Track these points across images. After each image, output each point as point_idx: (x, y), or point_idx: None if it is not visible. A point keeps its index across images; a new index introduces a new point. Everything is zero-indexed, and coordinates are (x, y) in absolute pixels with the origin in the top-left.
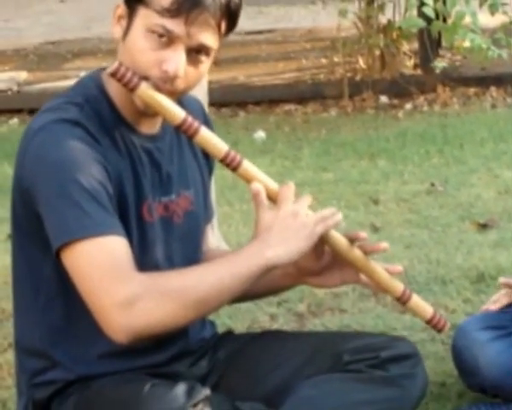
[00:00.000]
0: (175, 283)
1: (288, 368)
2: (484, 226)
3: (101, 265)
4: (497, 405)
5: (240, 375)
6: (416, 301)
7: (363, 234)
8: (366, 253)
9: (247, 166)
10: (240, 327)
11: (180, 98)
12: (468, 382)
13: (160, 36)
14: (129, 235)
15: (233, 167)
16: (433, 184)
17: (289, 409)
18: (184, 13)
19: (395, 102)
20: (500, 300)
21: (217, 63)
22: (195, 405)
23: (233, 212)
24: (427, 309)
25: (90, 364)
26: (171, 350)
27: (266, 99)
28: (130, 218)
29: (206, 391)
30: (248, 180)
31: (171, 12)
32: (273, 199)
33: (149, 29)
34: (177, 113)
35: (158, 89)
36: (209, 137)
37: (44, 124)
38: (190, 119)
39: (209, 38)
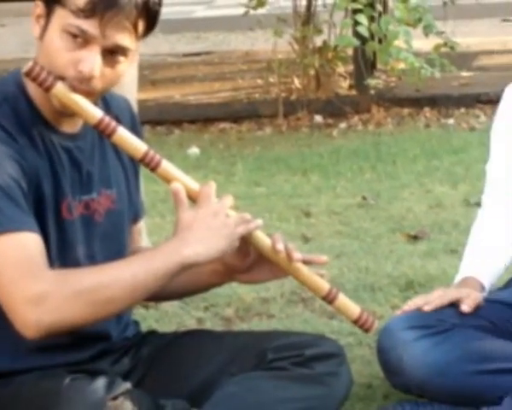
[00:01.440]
0: (86, 281)
1: (211, 366)
2: (414, 238)
3: (13, 261)
4: (422, 404)
5: (163, 373)
6: (343, 300)
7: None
8: (289, 255)
9: (167, 166)
10: (167, 331)
11: (107, 97)
12: (394, 382)
13: (76, 36)
14: (47, 233)
15: (152, 167)
16: (364, 198)
17: (212, 406)
18: (99, 13)
19: (330, 121)
20: (434, 302)
21: (153, 83)
22: (115, 398)
23: (164, 223)
24: (354, 308)
25: (12, 359)
26: (94, 348)
27: (201, 117)
28: (48, 216)
29: (127, 385)
30: (168, 180)
31: (86, 12)
32: (194, 199)
33: (65, 29)
34: (94, 113)
35: (74, 89)
36: (127, 137)
37: None
38: (107, 119)
39: (125, 39)
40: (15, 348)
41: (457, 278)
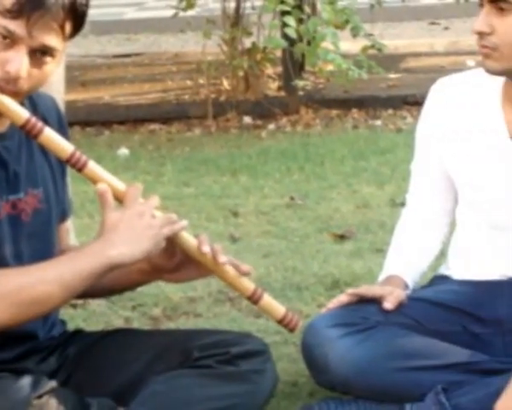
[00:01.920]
0: (12, 282)
1: (138, 365)
2: (341, 237)
3: None
4: (346, 401)
5: (90, 372)
6: (268, 300)
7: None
8: (215, 255)
9: (93, 167)
10: (94, 330)
11: (34, 97)
12: (318, 379)
13: (3, 37)
14: None
15: (78, 168)
16: (292, 198)
17: (138, 405)
18: (26, 14)
19: (259, 122)
20: (340, 299)
21: (83, 84)
22: (40, 397)
23: (93, 223)
24: (278, 309)
25: None
26: (20, 347)
27: (131, 118)
28: None
29: (53, 384)
30: (95, 181)
31: (13, 13)
32: (120, 200)
33: None
34: (20, 113)
35: (0, 89)
36: (53, 138)
37: None
38: (34, 119)
39: (52, 40)
40: None
41: (381, 277)
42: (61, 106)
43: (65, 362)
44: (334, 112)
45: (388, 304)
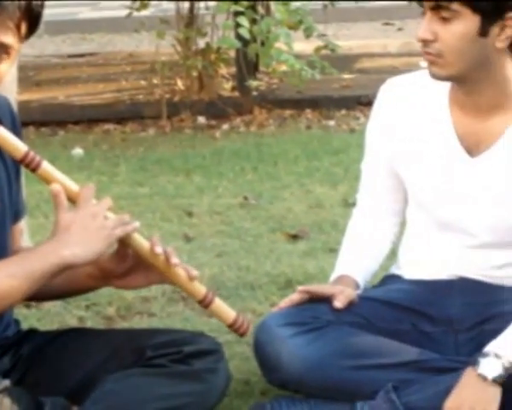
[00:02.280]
0: None
1: (91, 364)
2: (294, 237)
3: None
4: (298, 400)
5: (44, 371)
6: (219, 304)
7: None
8: (168, 259)
9: (47, 167)
10: (48, 330)
11: None
12: (270, 377)
13: None
14: None
15: (32, 168)
16: (246, 198)
17: (92, 404)
18: None
19: (213, 122)
20: (292, 298)
21: (38, 84)
22: None
23: (48, 223)
24: (229, 313)
25: None
26: None
27: (85, 118)
28: None
29: (6, 383)
30: (48, 181)
31: None
32: (73, 200)
33: None
34: None
35: None
36: (7, 138)
37: None
38: None
39: (8, 38)
40: None
41: (333, 276)
42: (14, 106)
43: (19, 362)
44: (288, 112)
45: (338, 303)
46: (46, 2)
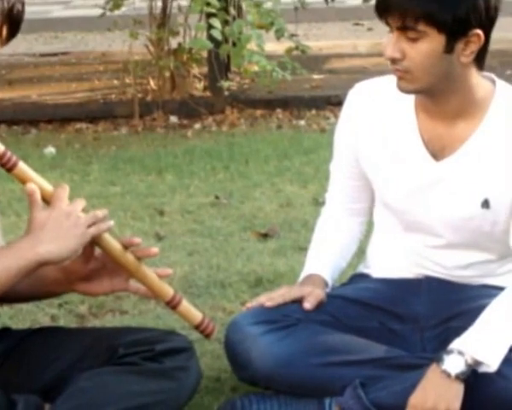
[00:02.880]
0: None
1: (64, 362)
2: (264, 236)
3: None
4: (268, 396)
5: (16, 369)
6: (186, 306)
7: (138, 239)
8: (139, 258)
9: (23, 167)
10: (21, 328)
11: None
12: (241, 375)
13: None
14: None
15: (8, 168)
16: (217, 197)
17: (63, 401)
18: None
19: (185, 122)
20: (276, 299)
21: (10, 82)
22: None
23: (20, 222)
24: (196, 315)
25: None
26: None
27: (58, 117)
28: None
29: None
30: (24, 181)
31: None
32: (47, 200)
33: None
34: None
35: None
36: None
37: None
38: None
39: None
40: None
41: (302, 275)
42: None
43: None
44: (259, 112)
45: (308, 304)
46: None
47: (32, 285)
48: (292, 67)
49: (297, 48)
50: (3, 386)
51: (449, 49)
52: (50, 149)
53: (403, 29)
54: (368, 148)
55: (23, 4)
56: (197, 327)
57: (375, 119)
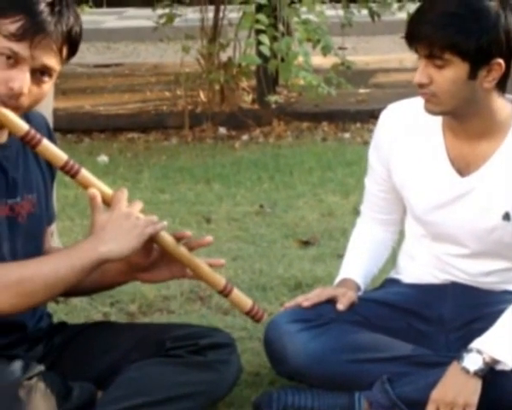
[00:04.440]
0: (13, 274)
1: (116, 353)
2: (305, 243)
3: None
4: (302, 389)
5: (73, 359)
6: (237, 294)
7: (188, 233)
8: (192, 249)
9: (85, 174)
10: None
11: (27, 113)
12: (278, 369)
13: (8, 57)
14: None
15: (72, 174)
16: (262, 206)
17: (115, 389)
18: (29, 37)
19: (233, 133)
20: (312, 299)
21: (64, 93)
22: (30, 378)
23: (73, 226)
24: (246, 301)
25: None
26: (11, 337)
27: (111, 127)
28: None
29: (41, 368)
30: (86, 186)
31: (18, 36)
32: (108, 203)
33: None
34: (21, 126)
35: (4, 104)
36: (50, 148)
37: None
38: (33, 131)
39: (51, 61)
40: None
41: (338, 279)
42: (50, 117)
43: (50, 350)
44: (305, 124)
45: (341, 305)
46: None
47: (98, 277)
48: (337, 83)
49: (342, 64)
50: (61, 374)
51: (472, 76)
52: (103, 158)
53: (430, 57)
54: (399, 164)
55: (81, 27)
56: (248, 313)
57: (406, 137)
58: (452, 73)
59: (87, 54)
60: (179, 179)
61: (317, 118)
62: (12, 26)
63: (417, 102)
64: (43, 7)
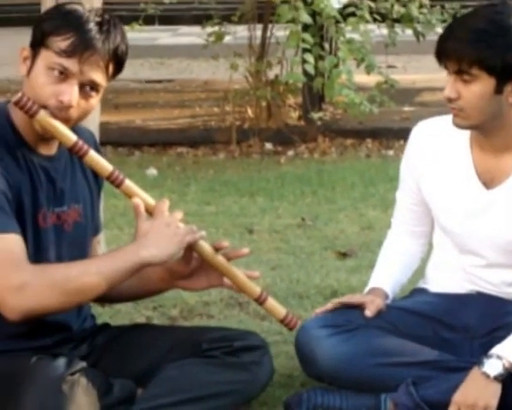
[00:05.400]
0: (60, 273)
1: (155, 353)
2: (344, 255)
3: (0, 256)
4: (331, 390)
5: (114, 357)
6: (272, 302)
7: (225, 242)
8: (229, 259)
9: (129, 184)
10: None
11: (75, 128)
12: (308, 371)
13: (59, 72)
14: (25, 236)
15: (117, 184)
16: (303, 219)
17: (154, 387)
18: (78, 54)
19: (279, 149)
20: (339, 301)
21: (116, 107)
22: (73, 374)
23: (122, 235)
24: (281, 310)
25: None
26: (56, 336)
27: (160, 142)
28: (26, 222)
29: (83, 364)
30: (130, 196)
31: (68, 53)
32: (150, 212)
33: (49, 67)
34: (70, 137)
35: (54, 116)
36: (97, 159)
37: None
38: (81, 142)
39: (98, 76)
40: None
41: (367, 288)
42: (97, 130)
43: (94, 350)
44: (349, 141)
45: (368, 312)
46: (126, 27)
47: (140, 283)
48: (380, 101)
49: (386, 82)
50: (103, 371)
51: (498, 90)
52: (152, 171)
53: (458, 72)
54: (428, 178)
55: (127, 45)
56: (282, 321)
57: (435, 153)
58: (479, 87)
59: (140, 69)
60: (225, 192)
61: (361, 135)
62: (63, 43)
63: (447, 119)
64: (92, 26)
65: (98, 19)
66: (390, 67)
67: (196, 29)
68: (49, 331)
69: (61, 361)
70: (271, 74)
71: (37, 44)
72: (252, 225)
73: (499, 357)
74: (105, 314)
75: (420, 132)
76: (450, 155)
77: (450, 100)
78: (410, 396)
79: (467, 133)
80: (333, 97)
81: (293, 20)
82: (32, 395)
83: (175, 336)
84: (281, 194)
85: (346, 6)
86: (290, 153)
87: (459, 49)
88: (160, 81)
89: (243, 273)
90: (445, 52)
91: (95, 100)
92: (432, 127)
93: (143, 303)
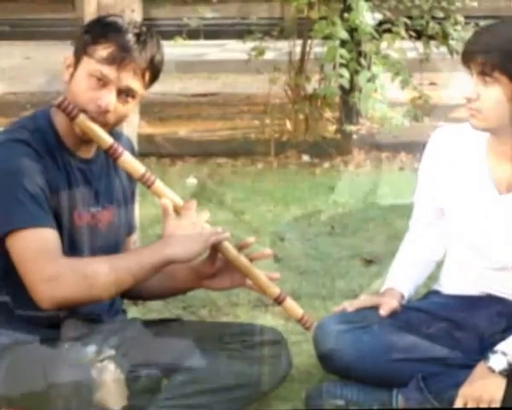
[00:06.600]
0: (92, 267)
1: (181, 346)
2: (369, 262)
3: (35, 249)
4: (348, 384)
5: (142, 349)
6: (290, 303)
7: (251, 239)
8: (252, 259)
9: (159, 185)
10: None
11: (114, 134)
12: (325, 366)
13: (98, 79)
14: (61, 234)
15: (148, 185)
16: (333, 228)
17: (180, 377)
18: (117, 62)
19: (315, 161)
20: (355, 303)
21: (161, 119)
22: (102, 360)
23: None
24: (298, 310)
25: (27, 331)
26: (88, 327)
27: (202, 152)
28: (63, 220)
29: (111, 352)
30: (160, 196)
31: (108, 61)
32: (178, 212)
33: (90, 73)
34: (107, 139)
35: (93, 120)
36: (130, 161)
37: (3, 141)
38: (116, 145)
39: (135, 83)
40: (29, 322)
41: (384, 287)
42: (135, 138)
43: (123, 341)
44: (384, 154)
45: (383, 312)
46: (178, 42)
47: (167, 281)
48: (414, 115)
49: (420, 98)
50: (131, 361)
51: None
52: (192, 180)
53: (481, 74)
54: (444, 183)
55: (162, 56)
56: (299, 320)
57: (452, 158)
58: (499, 91)
59: (189, 83)
60: (260, 202)
61: (396, 148)
62: (103, 51)
63: (464, 127)
64: (130, 36)
65: (136, 30)
66: (432, 84)
67: (243, 45)
68: (80, 322)
69: (91, 348)
70: (310, 89)
71: (80, 53)
72: (284, 232)
73: (504, 353)
74: (137, 312)
75: (438, 137)
76: (467, 160)
77: (469, 100)
78: (420, 391)
79: (483, 140)
80: (367, 111)
81: (330, 36)
82: (63, 380)
83: (199, 330)
84: (314, 204)
85: (382, 22)
86: (326, 165)
87: (483, 51)
88: (205, 95)
89: (264, 275)
90: (470, 54)
91: (131, 106)
92: (449, 134)
93: (174, 303)
